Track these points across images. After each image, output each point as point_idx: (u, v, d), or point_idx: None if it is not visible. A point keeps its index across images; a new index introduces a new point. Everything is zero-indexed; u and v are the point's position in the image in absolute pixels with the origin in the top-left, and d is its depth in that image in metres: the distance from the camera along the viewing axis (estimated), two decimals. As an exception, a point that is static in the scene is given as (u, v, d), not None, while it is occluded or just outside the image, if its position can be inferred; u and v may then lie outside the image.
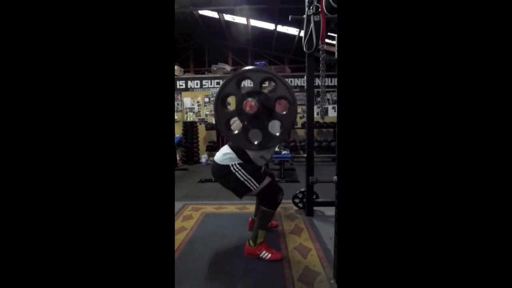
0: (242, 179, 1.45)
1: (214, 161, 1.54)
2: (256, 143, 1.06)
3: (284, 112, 1.06)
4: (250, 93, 1.00)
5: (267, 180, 1.49)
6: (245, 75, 1.02)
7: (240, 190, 1.49)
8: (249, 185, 1.45)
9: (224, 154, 1.49)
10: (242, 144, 1.13)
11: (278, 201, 1.48)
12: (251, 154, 1.46)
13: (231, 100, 1.15)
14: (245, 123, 1.04)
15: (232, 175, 1.46)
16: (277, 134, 1.08)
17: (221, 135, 1.28)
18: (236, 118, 1.11)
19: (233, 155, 1.47)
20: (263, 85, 1.03)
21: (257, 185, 1.45)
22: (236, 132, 1.08)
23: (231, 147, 1.49)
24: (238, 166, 1.45)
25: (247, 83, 1.03)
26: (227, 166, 1.46)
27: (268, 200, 1.48)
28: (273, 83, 1.02)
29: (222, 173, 1.49)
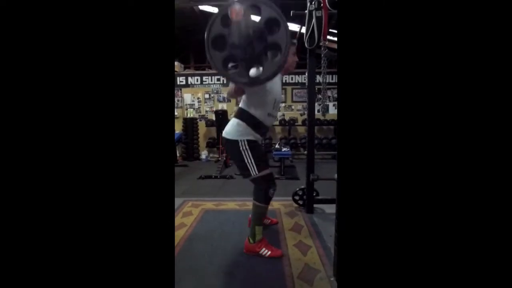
0: (246, 161, 1.43)
1: (223, 136, 1.51)
2: (254, 74, 1.04)
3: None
4: (246, 5, 0.96)
5: (267, 171, 1.48)
6: (227, 10, 0.98)
7: (243, 171, 1.49)
8: (250, 170, 1.44)
9: (232, 127, 1.47)
10: (242, 78, 1.09)
11: (269, 195, 1.48)
12: (259, 114, 1.44)
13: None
14: (232, 46, 1.01)
15: (239, 153, 1.44)
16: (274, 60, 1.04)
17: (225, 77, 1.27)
18: (231, 85, 1.08)
19: (242, 126, 1.44)
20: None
21: (257, 172, 1.44)
22: (233, 71, 1.05)
23: (238, 116, 1.47)
24: (246, 145, 1.43)
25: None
26: (236, 142, 1.44)
27: (260, 192, 1.48)
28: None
29: (231, 148, 1.48)
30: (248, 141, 1.43)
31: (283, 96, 5.31)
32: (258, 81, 1.10)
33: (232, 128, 1.47)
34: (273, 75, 1.10)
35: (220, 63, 1.04)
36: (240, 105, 1.51)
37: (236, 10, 0.91)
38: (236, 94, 1.45)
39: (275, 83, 1.46)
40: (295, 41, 1.45)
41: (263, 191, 1.47)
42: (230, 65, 1.10)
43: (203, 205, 2.39)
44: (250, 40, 0.99)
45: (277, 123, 5.01)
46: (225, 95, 5.38)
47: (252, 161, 1.43)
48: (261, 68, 1.06)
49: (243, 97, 1.48)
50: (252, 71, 1.05)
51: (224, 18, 1.01)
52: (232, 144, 1.45)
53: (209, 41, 1.01)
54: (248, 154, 1.43)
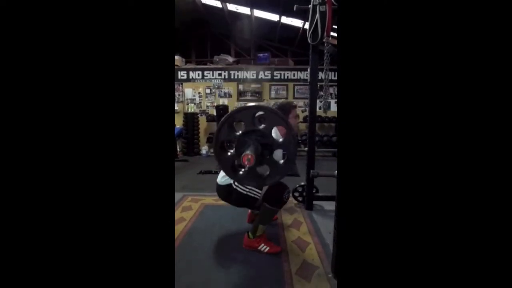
0: (245, 192, 1.46)
1: (217, 184, 1.56)
2: (265, 175, 1.07)
3: (282, 139, 1.06)
4: (245, 133, 1.00)
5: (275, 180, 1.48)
6: (234, 117, 1.02)
7: (249, 204, 1.51)
8: (252, 195, 1.46)
9: (223, 176, 1.50)
10: (254, 184, 1.18)
11: (284, 200, 1.45)
12: None
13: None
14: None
15: (234, 192, 1.47)
16: (281, 161, 1.07)
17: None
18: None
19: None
20: (257, 114, 1.03)
21: (259, 191, 1.46)
22: (242, 173, 1.08)
23: None
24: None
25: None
26: (229, 185, 1.48)
27: (273, 199, 1.44)
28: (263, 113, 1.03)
29: (226, 193, 1.52)
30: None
31: (284, 92, 5.29)
32: (274, 180, 1.12)
33: (223, 178, 1.51)
34: (282, 176, 1.11)
35: (229, 166, 1.07)
36: None
37: (248, 157, 0.95)
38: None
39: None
40: (295, 104, 1.59)
41: (278, 198, 1.44)
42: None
43: (202, 200, 2.39)
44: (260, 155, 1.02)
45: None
46: (227, 90, 5.37)
47: (247, 187, 1.45)
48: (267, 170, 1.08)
49: None
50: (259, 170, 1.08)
51: (231, 124, 1.04)
52: (227, 188, 1.49)
53: (217, 145, 1.05)
54: (241, 187, 1.46)
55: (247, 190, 1.46)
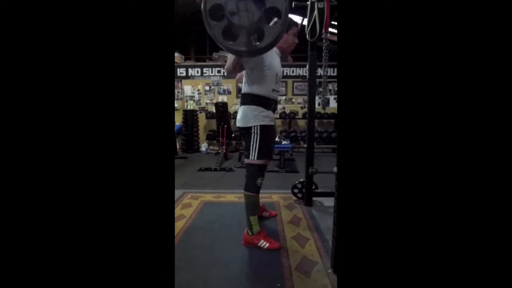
0: (251, 143, 1.46)
1: (237, 127, 1.55)
2: (255, 42, 1.03)
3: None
4: None
5: (263, 161, 1.51)
6: None
7: (245, 151, 1.52)
8: (250, 153, 1.47)
9: (243, 114, 1.48)
10: (242, 47, 1.09)
11: (258, 184, 1.50)
12: (263, 92, 1.45)
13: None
14: (230, 14, 1.00)
15: (249, 135, 1.47)
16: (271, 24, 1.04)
17: (227, 70, 1.28)
18: (230, 56, 1.08)
19: (251, 110, 1.45)
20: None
21: (255, 157, 1.46)
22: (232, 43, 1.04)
23: (245, 102, 1.48)
24: (258, 130, 1.45)
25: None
26: (249, 129, 1.47)
27: (248, 180, 1.50)
28: None
29: (245, 135, 1.51)
30: (261, 126, 1.46)
31: (283, 89, 5.28)
32: (258, 49, 1.09)
33: (243, 116, 1.49)
34: (273, 42, 1.07)
35: (220, 33, 1.02)
36: (242, 91, 1.52)
37: None
38: (234, 69, 1.44)
39: (274, 58, 1.47)
40: (297, 22, 1.46)
41: (252, 181, 1.49)
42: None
43: (202, 197, 2.40)
44: (248, 6, 0.97)
45: (277, 116, 4.99)
46: (226, 87, 5.35)
47: (256, 146, 1.45)
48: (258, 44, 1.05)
49: (244, 80, 1.49)
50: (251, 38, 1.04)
51: None
52: (246, 131, 1.49)
53: (206, 12, 1.00)
54: (256, 139, 1.45)
55: (254, 145, 1.46)
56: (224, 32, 1.03)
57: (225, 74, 5.02)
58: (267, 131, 1.48)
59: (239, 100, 1.59)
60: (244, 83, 1.50)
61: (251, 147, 1.46)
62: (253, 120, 1.45)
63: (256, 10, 0.99)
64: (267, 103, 1.48)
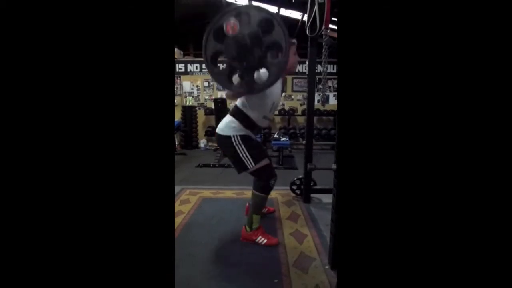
0: (241, 155, 1.43)
1: (216, 132, 1.51)
2: (236, 83, 1.02)
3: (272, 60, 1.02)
4: (236, 14, 0.94)
5: (264, 161, 1.47)
6: (216, 25, 0.96)
7: (238, 166, 1.48)
8: (246, 163, 1.44)
9: (226, 124, 1.46)
10: (222, 83, 1.09)
11: (270, 186, 1.47)
12: (254, 116, 1.44)
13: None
14: (231, 59, 0.99)
15: (232, 148, 1.43)
16: (264, 79, 1.03)
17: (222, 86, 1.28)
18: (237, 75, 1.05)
19: (235, 124, 1.44)
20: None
21: (253, 164, 1.43)
22: (236, 83, 1.04)
23: (233, 115, 1.47)
24: (239, 139, 1.42)
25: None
26: (229, 137, 1.43)
27: (260, 183, 1.48)
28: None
29: (224, 144, 1.48)
30: (241, 136, 1.43)
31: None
32: (263, 87, 1.08)
33: (225, 125, 1.46)
34: (277, 77, 1.07)
35: (225, 79, 1.03)
36: (236, 103, 1.49)
37: (231, 24, 0.90)
38: (235, 97, 1.44)
39: (276, 86, 1.43)
40: (294, 40, 1.44)
41: (264, 182, 1.47)
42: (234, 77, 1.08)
43: (201, 193, 2.40)
44: (249, 49, 0.96)
45: (276, 113, 4.98)
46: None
47: (247, 153, 1.42)
48: (262, 71, 1.03)
49: (243, 98, 1.47)
50: (256, 75, 1.03)
51: (217, 33, 0.98)
52: (225, 140, 1.45)
53: (208, 60, 1.00)
54: (242, 147, 1.42)
55: (244, 155, 1.43)
56: (228, 77, 1.04)
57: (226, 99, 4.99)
58: (248, 137, 1.46)
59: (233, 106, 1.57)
60: (241, 99, 1.47)
61: (243, 158, 1.43)
62: (233, 131, 1.43)
63: (256, 49, 0.98)
64: (253, 126, 1.47)
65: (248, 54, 0.97)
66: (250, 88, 1.07)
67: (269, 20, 0.97)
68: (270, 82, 1.07)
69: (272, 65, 1.02)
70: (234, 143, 1.42)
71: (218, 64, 1.09)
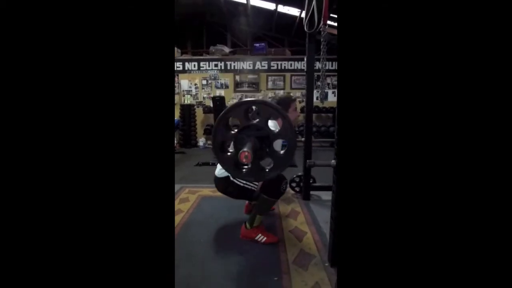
0: (242, 185, 1.50)
1: (215, 176, 1.59)
2: (267, 170, 1.05)
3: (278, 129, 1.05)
4: (241, 130, 0.99)
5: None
6: (228, 116, 1.02)
7: (246, 196, 1.54)
8: (249, 187, 1.49)
9: (221, 169, 1.53)
10: (258, 178, 1.17)
11: (282, 190, 1.46)
12: None
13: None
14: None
15: (232, 184, 1.51)
16: (282, 152, 1.06)
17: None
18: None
19: None
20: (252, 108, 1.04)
21: (256, 182, 1.48)
22: (245, 170, 1.07)
23: None
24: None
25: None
26: (227, 177, 1.51)
27: (271, 190, 1.45)
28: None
29: (224, 186, 1.56)
30: None
31: (281, 83, 5.25)
32: (269, 176, 1.10)
33: (220, 170, 1.53)
34: (284, 168, 1.09)
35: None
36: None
37: (246, 154, 0.93)
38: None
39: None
40: (294, 97, 1.58)
41: (275, 189, 1.45)
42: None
43: (200, 192, 2.40)
44: (255, 146, 1.00)
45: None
46: (223, 81, 5.32)
47: (247, 182, 1.49)
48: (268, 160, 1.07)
49: None
50: (262, 164, 1.06)
51: (227, 122, 1.03)
52: (225, 180, 1.52)
53: (216, 148, 1.03)
54: (240, 180, 1.49)
55: (244, 182, 1.49)
56: (236, 163, 1.05)
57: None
58: None
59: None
60: None
61: (245, 185, 1.49)
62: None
63: (263, 148, 1.02)
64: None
65: (254, 151, 1.01)
66: (258, 176, 1.12)
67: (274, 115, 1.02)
68: (276, 174, 1.10)
69: (278, 159, 1.06)
70: (232, 179, 1.50)
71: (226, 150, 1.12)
